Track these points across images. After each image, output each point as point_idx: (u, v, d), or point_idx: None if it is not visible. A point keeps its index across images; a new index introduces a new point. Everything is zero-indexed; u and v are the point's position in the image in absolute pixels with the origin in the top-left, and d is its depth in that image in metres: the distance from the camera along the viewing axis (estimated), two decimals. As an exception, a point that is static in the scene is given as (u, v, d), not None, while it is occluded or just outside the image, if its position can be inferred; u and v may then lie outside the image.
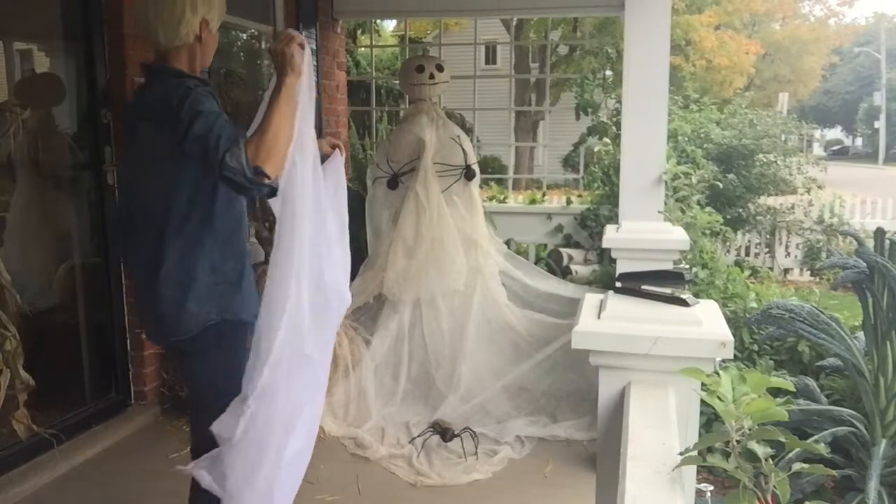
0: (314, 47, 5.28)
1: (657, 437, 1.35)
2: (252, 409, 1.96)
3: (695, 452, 1.22)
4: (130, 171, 2.26)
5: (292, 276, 1.97)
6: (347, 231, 2.24)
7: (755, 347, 4.41)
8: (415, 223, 4.18)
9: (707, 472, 3.25)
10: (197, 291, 2.05)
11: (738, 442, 1.15)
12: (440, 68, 4.38)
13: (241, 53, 5.47)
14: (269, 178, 1.89)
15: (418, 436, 3.48)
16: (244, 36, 5.39)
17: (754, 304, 4.61)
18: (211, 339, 2.11)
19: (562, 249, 5.36)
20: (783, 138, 10.05)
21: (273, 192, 1.96)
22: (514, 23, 14.04)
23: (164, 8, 2.09)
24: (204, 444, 2.09)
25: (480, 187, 4.80)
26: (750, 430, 1.15)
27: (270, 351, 1.95)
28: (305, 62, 2.03)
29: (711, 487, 1.44)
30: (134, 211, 2.20)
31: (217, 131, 1.89)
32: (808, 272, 9.29)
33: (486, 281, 4.27)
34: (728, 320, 2.04)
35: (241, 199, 2.12)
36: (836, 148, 44.38)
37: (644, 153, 4.11)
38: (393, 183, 4.36)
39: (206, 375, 2.18)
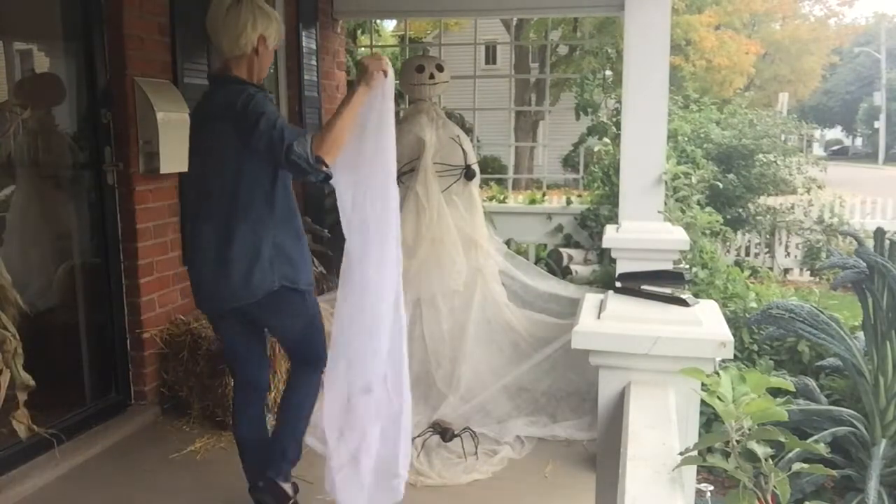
0: (314, 47, 5.28)
1: (657, 437, 1.35)
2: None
3: (695, 452, 1.22)
4: (200, 162, 2.61)
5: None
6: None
7: (755, 347, 4.41)
8: (415, 223, 4.18)
9: (707, 472, 3.25)
10: (262, 263, 2.46)
11: (737, 442, 1.15)
12: (440, 68, 4.37)
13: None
14: (326, 166, 2.37)
15: (418, 436, 3.48)
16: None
17: (754, 305, 4.61)
18: (273, 304, 2.53)
19: (562, 249, 5.36)
20: (783, 138, 10.05)
21: (327, 178, 2.44)
22: (514, 23, 14.04)
23: (230, 22, 2.52)
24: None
25: (480, 187, 4.81)
26: (750, 430, 1.15)
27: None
28: (387, 83, 2.50)
29: (711, 487, 1.44)
30: (203, 197, 2.57)
31: (279, 127, 2.35)
32: (808, 272, 9.30)
33: (486, 281, 4.27)
34: (728, 320, 2.04)
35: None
36: (835, 148, 44.38)
37: (644, 153, 4.11)
38: None
39: (279, 333, 2.79)
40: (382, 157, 2.51)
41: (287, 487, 2.76)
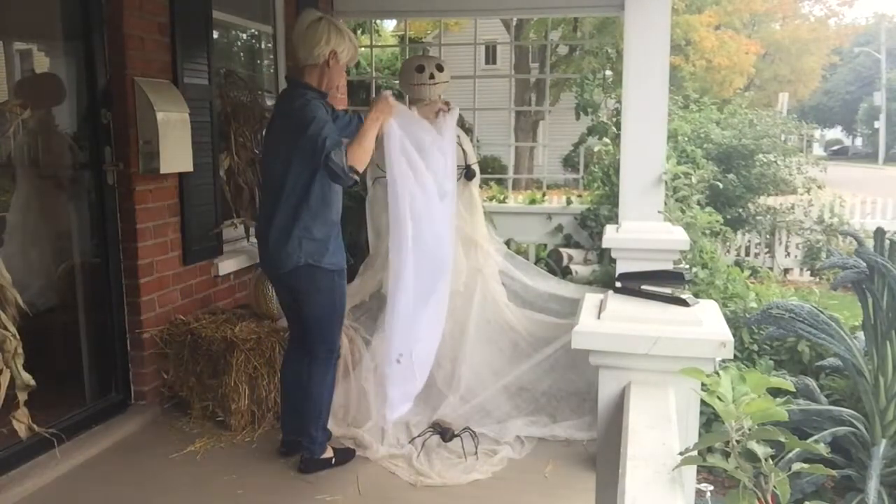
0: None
1: (657, 437, 1.35)
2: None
3: (695, 452, 1.22)
4: (266, 151, 3.27)
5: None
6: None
7: (755, 347, 4.41)
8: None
9: (707, 472, 3.25)
10: (292, 241, 3.00)
11: (737, 442, 1.15)
12: (440, 68, 4.37)
13: (241, 53, 5.48)
14: (357, 173, 2.92)
15: (418, 436, 3.48)
16: (244, 36, 5.39)
17: (754, 304, 4.60)
18: (302, 277, 3.06)
19: (562, 249, 5.36)
20: (783, 138, 10.05)
21: (356, 183, 3.08)
22: (514, 23, 14.04)
23: (309, 34, 2.99)
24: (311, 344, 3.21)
25: (480, 187, 4.80)
26: (750, 430, 1.15)
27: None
28: (448, 119, 3.50)
29: (711, 487, 1.44)
30: (265, 180, 3.26)
31: (324, 134, 2.84)
32: (808, 272, 9.30)
33: (486, 281, 4.27)
34: (728, 320, 2.04)
35: (335, 187, 3.04)
36: (835, 148, 44.39)
37: (644, 153, 4.11)
38: None
39: (304, 306, 3.14)
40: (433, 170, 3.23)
41: (321, 458, 3.26)
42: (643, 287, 1.87)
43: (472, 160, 4.39)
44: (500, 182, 6.79)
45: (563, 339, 3.84)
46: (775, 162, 9.41)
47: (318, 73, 3.03)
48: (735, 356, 3.28)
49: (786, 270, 9.48)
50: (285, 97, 3.11)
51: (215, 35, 4.44)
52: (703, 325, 1.66)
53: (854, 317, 4.32)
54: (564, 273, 5.10)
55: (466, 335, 4.09)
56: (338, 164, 2.80)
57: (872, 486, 3.13)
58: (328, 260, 3.07)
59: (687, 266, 4.27)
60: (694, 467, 1.50)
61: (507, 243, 5.46)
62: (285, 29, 5.14)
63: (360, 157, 2.92)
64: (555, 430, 3.64)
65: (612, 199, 5.11)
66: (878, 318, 3.53)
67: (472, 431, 3.45)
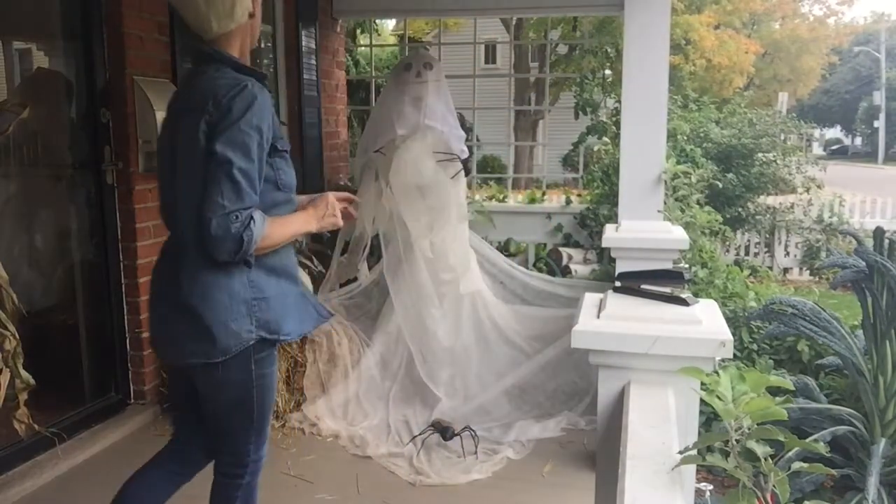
0: (314, 46, 5.28)
1: (656, 436, 1.35)
2: None
3: (694, 452, 1.22)
4: (166, 168, 2.02)
5: None
6: None
7: (754, 347, 4.41)
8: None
9: (706, 472, 3.25)
10: (235, 307, 1.94)
11: (737, 441, 1.15)
12: (429, 66, 4.36)
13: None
14: (239, 256, 1.82)
15: (418, 435, 3.48)
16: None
17: (754, 304, 4.61)
18: (242, 362, 2.00)
19: (561, 249, 5.36)
20: (782, 138, 10.03)
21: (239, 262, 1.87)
22: (514, 22, 14.02)
23: None
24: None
25: (480, 186, 4.80)
26: (749, 429, 1.15)
27: None
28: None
29: (711, 487, 1.45)
30: (166, 208, 2.07)
31: (238, 178, 1.79)
32: (808, 271, 9.30)
33: (471, 280, 4.29)
34: (727, 319, 2.05)
35: (286, 194, 2.00)
36: (835, 147, 44.40)
37: (643, 152, 4.10)
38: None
39: (234, 405, 2.11)
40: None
41: None
42: (643, 286, 1.87)
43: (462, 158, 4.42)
44: (499, 181, 6.79)
45: (564, 339, 3.85)
46: (775, 161, 9.40)
47: (240, 37, 1.98)
48: (734, 355, 3.28)
49: (785, 270, 9.48)
50: (204, 83, 1.90)
51: (215, 34, 4.43)
52: (703, 325, 1.66)
53: (853, 316, 4.32)
54: (564, 272, 5.10)
55: (463, 336, 4.10)
56: (251, 238, 1.79)
57: (872, 484, 3.13)
58: (288, 327, 2.00)
59: (686, 265, 4.27)
60: (693, 467, 1.50)
61: (507, 242, 5.47)
62: (284, 28, 5.13)
63: (265, 246, 1.87)
64: (555, 428, 3.64)
65: (611, 198, 5.11)
66: (878, 317, 3.53)
67: (473, 431, 3.45)
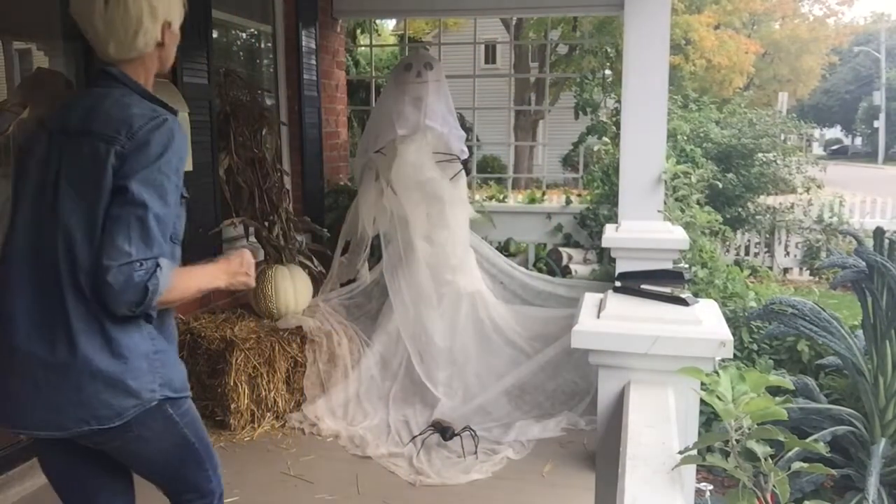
0: (314, 46, 5.29)
1: (656, 436, 1.35)
2: None
3: (694, 452, 1.22)
4: (34, 190, 1.69)
5: None
6: None
7: (754, 347, 4.41)
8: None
9: (706, 472, 3.25)
10: (134, 365, 1.68)
11: (737, 441, 1.15)
12: (429, 66, 4.37)
13: (241, 53, 5.47)
14: (141, 308, 1.60)
15: (418, 435, 3.48)
16: (244, 35, 5.39)
17: (753, 304, 4.61)
18: (148, 422, 1.74)
19: (561, 249, 5.36)
20: (782, 138, 10.04)
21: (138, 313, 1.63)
22: (514, 22, 14.03)
23: (115, 17, 1.68)
24: None
25: (480, 186, 4.81)
26: (749, 429, 1.15)
27: None
28: None
29: (711, 487, 1.45)
30: (31, 251, 1.67)
31: (151, 224, 1.58)
32: (808, 272, 9.30)
33: (472, 280, 4.29)
34: (727, 319, 2.05)
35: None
36: (835, 147, 44.40)
37: (643, 153, 4.10)
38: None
39: (153, 462, 1.89)
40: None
41: None
42: (643, 286, 1.87)
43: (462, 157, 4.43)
44: (499, 181, 6.80)
45: (564, 339, 3.85)
46: (775, 161, 9.41)
47: (143, 66, 1.76)
48: (734, 355, 3.28)
49: (785, 270, 9.48)
50: (105, 106, 1.68)
51: (215, 34, 4.43)
52: (703, 325, 1.66)
53: (853, 316, 4.32)
54: (564, 272, 5.11)
55: (462, 336, 4.10)
56: (156, 288, 1.58)
57: (872, 484, 3.13)
58: (181, 380, 1.79)
59: (686, 265, 4.28)
60: (693, 467, 1.50)
61: (507, 243, 5.47)
62: (285, 28, 5.13)
63: (176, 297, 1.67)
64: (555, 428, 3.64)
65: (611, 198, 5.11)
66: (878, 317, 3.53)
67: (473, 431, 3.45)
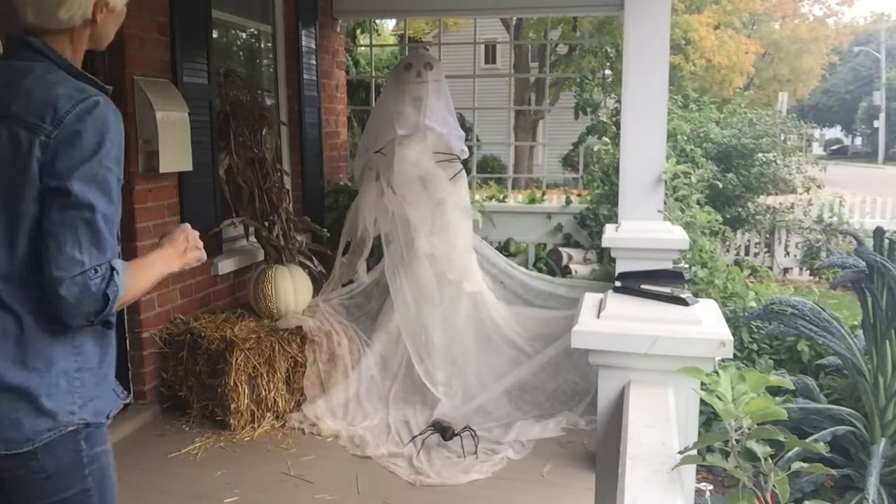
0: (314, 46, 5.29)
1: (656, 436, 1.35)
2: None
3: (694, 452, 1.22)
4: None
5: None
6: None
7: (754, 347, 4.41)
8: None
9: (706, 472, 3.25)
10: (54, 381, 1.50)
11: (737, 441, 1.15)
12: (429, 66, 4.37)
13: (241, 53, 5.48)
14: (101, 318, 1.45)
15: (418, 435, 3.48)
16: (244, 35, 5.39)
17: (753, 304, 4.60)
18: (62, 452, 1.54)
19: (561, 249, 5.36)
20: (782, 138, 10.04)
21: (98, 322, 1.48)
22: (514, 22, 14.03)
23: None
24: None
25: (480, 186, 4.81)
26: (749, 429, 1.15)
27: None
28: None
29: (711, 487, 1.45)
30: None
31: (100, 226, 1.42)
32: (808, 271, 9.30)
33: (473, 279, 4.29)
34: (727, 319, 2.04)
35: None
36: (835, 147, 44.41)
37: (643, 152, 4.11)
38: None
39: None
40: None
41: None
42: (643, 286, 1.86)
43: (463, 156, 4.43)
44: (499, 181, 6.80)
45: (564, 339, 3.85)
46: (775, 161, 9.41)
47: (68, 40, 1.52)
48: (734, 355, 3.28)
49: (785, 270, 9.48)
50: (30, 81, 1.47)
51: (215, 34, 4.44)
52: (703, 325, 1.66)
53: (853, 316, 4.32)
54: (564, 272, 5.11)
55: (462, 336, 4.10)
56: (115, 294, 1.43)
57: (872, 484, 3.13)
58: (106, 405, 1.60)
59: (686, 265, 4.28)
60: (693, 467, 1.50)
61: (507, 243, 5.47)
62: (285, 28, 5.13)
63: (133, 295, 1.53)
64: (555, 428, 3.64)
65: (611, 198, 5.11)
66: (878, 317, 3.53)
67: (473, 431, 3.45)
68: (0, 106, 1.45)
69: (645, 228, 3.33)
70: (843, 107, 41.25)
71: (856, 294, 3.66)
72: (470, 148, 4.87)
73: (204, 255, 1.72)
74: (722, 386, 1.21)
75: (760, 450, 1.13)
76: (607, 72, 6.81)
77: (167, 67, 3.85)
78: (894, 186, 15.94)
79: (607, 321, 1.70)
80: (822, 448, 1.32)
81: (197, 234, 1.71)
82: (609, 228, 3.43)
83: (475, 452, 3.37)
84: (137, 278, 1.52)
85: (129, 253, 3.64)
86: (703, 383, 1.26)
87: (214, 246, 4.23)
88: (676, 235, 3.19)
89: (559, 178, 12.79)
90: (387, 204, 4.26)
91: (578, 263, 5.19)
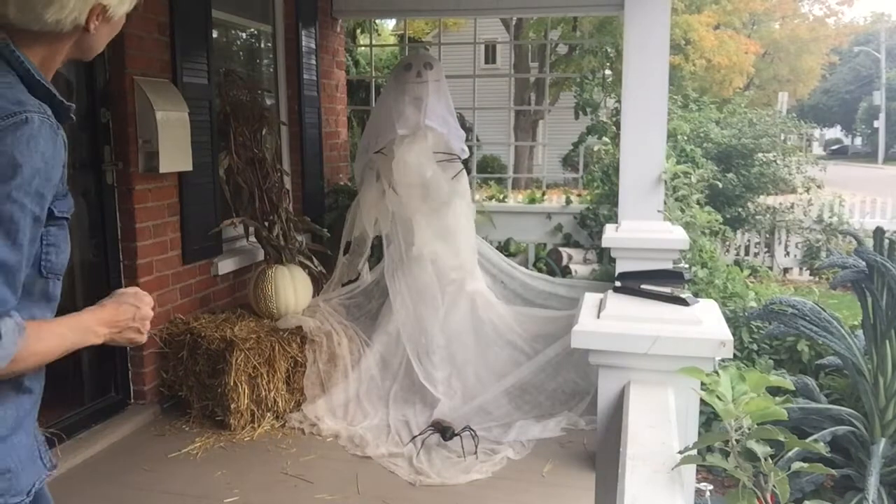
0: (313, 46, 5.29)
1: (657, 436, 1.35)
2: None
3: (694, 452, 1.22)
4: None
5: None
6: None
7: (754, 347, 4.41)
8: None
9: (706, 472, 3.25)
10: None
11: (737, 441, 1.15)
12: (429, 66, 4.37)
13: (241, 53, 5.48)
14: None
15: (418, 435, 3.48)
16: (244, 35, 5.39)
17: (753, 304, 4.61)
18: None
19: (561, 249, 5.36)
20: (782, 138, 10.05)
21: None
22: (514, 22, 14.03)
23: None
24: None
25: (480, 186, 4.81)
26: (749, 429, 1.15)
27: None
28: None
29: (711, 487, 1.45)
30: None
31: (7, 256, 1.16)
32: (808, 271, 9.30)
33: (473, 280, 4.29)
34: (727, 319, 2.05)
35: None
36: (835, 147, 44.42)
37: (644, 153, 4.10)
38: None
39: None
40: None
41: None
42: (643, 286, 1.86)
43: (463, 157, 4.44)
44: (499, 181, 6.79)
45: (564, 339, 3.85)
46: (775, 161, 9.42)
47: (46, 47, 1.31)
48: (734, 355, 3.28)
49: (785, 270, 9.49)
50: None
51: (215, 34, 4.44)
52: (703, 325, 1.66)
53: (853, 316, 4.32)
54: (564, 272, 5.11)
55: (462, 336, 4.11)
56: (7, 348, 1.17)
57: (872, 484, 3.13)
58: (25, 481, 1.29)
59: (686, 265, 4.28)
60: (693, 466, 1.50)
61: (507, 243, 5.47)
62: (285, 28, 5.13)
63: (33, 363, 1.30)
64: (555, 428, 3.64)
65: (611, 198, 5.11)
66: (878, 317, 3.53)
67: (473, 431, 3.45)
68: None
69: (645, 228, 3.33)
70: (842, 107, 41.25)
71: (856, 294, 3.66)
72: (470, 148, 4.87)
73: (143, 339, 1.42)
74: (722, 386, 1.21)
75: (760, 450, 1.13)
76: (607, 72, 6.81)
77: (167, 67, 3.85)
78: (894, 186, 15.92)
79: (607, 321, 1.70)
80: (822, 448, 1.32)
81: (151, 314, 1.43)
82: (609, 228, 3.43)
83: (475, 452, 3.37)
84: (38, 342, 1.26)
85: (129, 253, 3.66)
86: (703, 383, 1.26)
87: (215, 246, 4.24)
88: (676, 235, 3.19)
89: (559, 178, 12.78)
90: (387, 204, 4.26)
91: (578, 263, 5.19)
